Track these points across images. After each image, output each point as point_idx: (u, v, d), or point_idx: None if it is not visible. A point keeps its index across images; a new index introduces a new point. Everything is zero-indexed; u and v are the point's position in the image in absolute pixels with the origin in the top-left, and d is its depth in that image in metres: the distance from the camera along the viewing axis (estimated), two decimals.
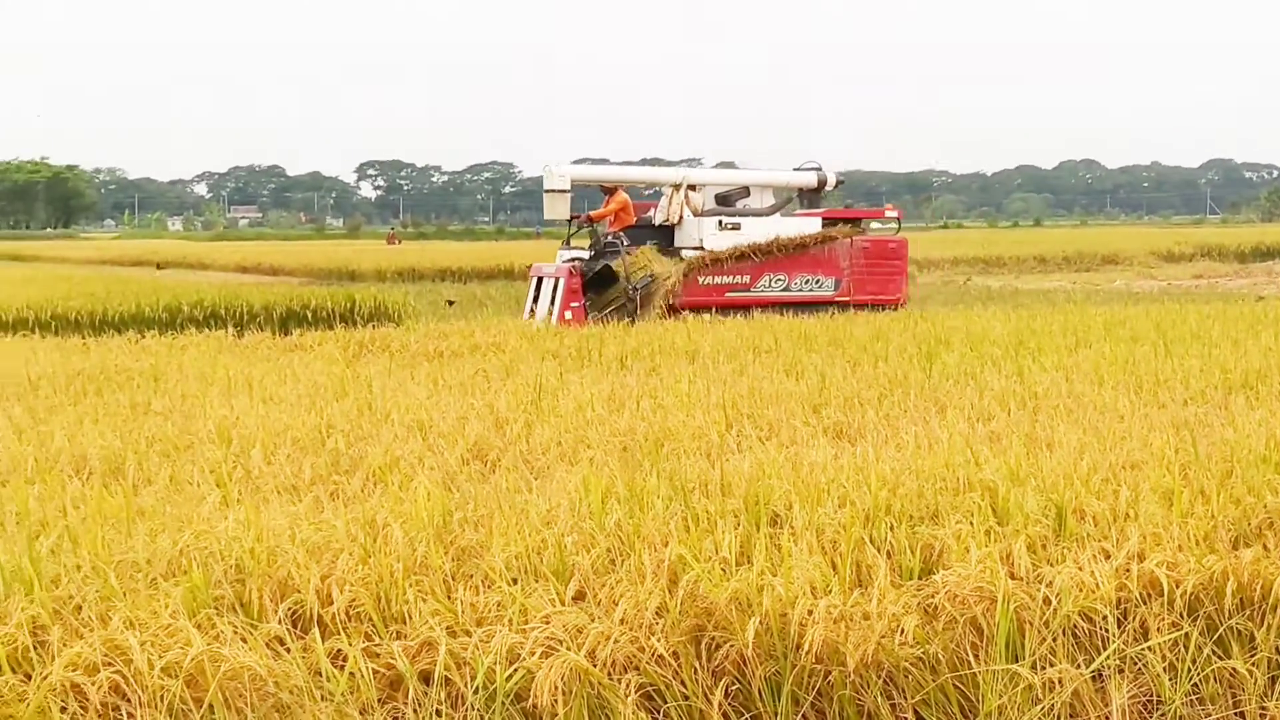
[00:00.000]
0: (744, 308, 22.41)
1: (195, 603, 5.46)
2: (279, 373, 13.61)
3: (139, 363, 14.65)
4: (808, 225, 24.39)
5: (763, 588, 5.49)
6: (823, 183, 25.64)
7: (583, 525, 6.48)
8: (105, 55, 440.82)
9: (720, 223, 23.84)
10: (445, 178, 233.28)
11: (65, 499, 7.23)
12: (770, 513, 6.72)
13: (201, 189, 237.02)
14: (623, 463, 8.40)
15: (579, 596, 5.74)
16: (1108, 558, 6.07)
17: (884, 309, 22.89)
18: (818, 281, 23.94)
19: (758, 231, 23.82)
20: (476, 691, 5.00)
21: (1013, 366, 12.57)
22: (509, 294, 35.51)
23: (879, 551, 6.13)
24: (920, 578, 5.94)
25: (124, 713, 4.81)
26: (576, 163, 26.93)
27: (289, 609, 5.58)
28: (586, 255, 23.26)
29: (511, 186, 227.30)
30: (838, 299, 23.82)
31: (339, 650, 5.22)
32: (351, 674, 5.04)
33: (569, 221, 24.63)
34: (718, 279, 23.26)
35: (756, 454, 8.28)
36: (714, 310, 21.81)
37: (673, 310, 22.20)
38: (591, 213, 25.15)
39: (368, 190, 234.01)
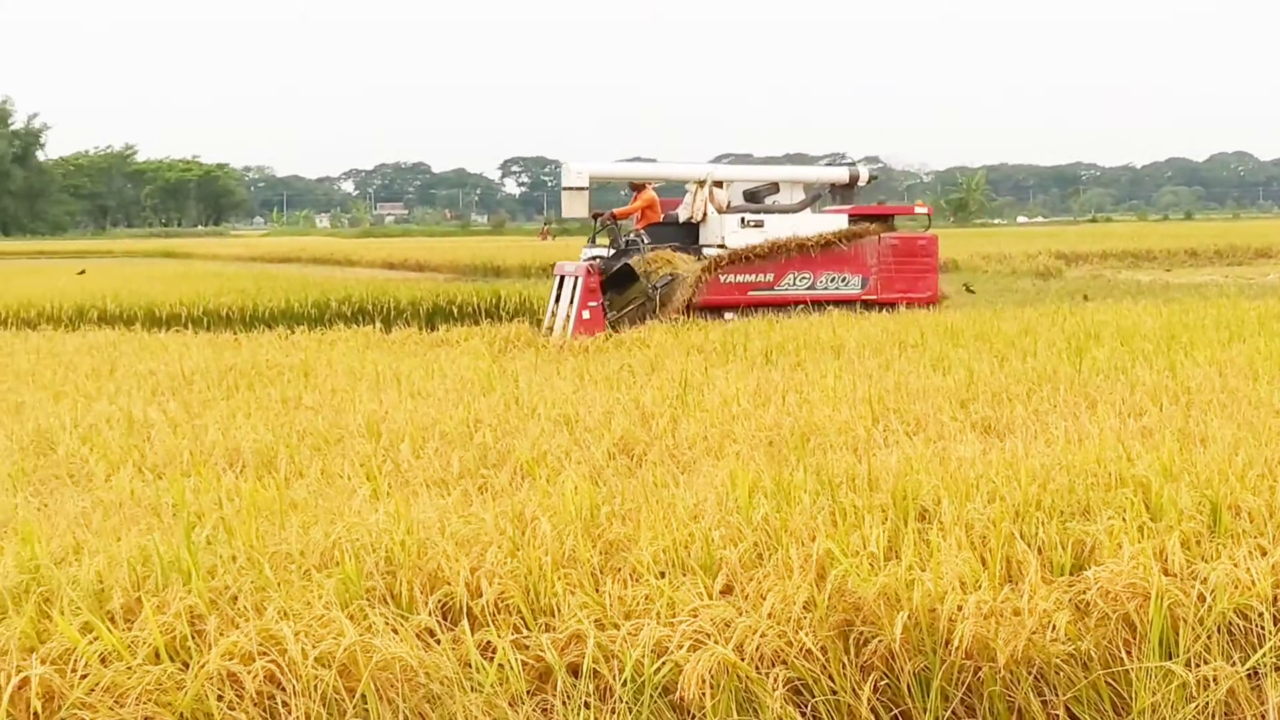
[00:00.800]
0: (768, 306, 21.71)
1: (348, 594, 5.53)
2: (426, 368, 13.73)
3: (289, 358, 14.86)
4: (833, 222, 23.63)
5: (911, 583, 5.45)
6: (855, 178, 24.95)
7: (729, 519, 6.47)
8: (254, 56, 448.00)
9: (743, 220, 23.19)
10: None
11: (220, 491, 7.35)
12: (918, 508, 6.67)
13: (348, 186, 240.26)
14: (769, 457, 8.39)
15: (726, 590, 5.73)
16: (1264, 554, 5.95)
17: (913, 307, 22.20)
18: (844, 279, 23.14)
19: (781, 229, 23.09)
20: (625, 684, 5.01)
21: (1164, 361, 12.34)
22: None
23: (1029, 547, 6.05)
24: (1071, 574, 5.86)
25: (279, 702, 4.88)
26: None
27: (439, 601, 5.63)
28: (608, 254, 22.66)
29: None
30: (865, 297, 23.08)
31: (488, 642, 5.26)
32: (501, 666, 5.07)
33: (594, 219, 23.86)
34: (740, 277, 22.47)
35: (903, 449, 8.22)
36: (740, 311, 21.43)
37: (692, 309, 21.50)
38: (616, 209, 24.27)
39: (512, 187, 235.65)
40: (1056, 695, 5.30)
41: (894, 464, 7.52)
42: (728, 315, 21.25)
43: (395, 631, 5.17)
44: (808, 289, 22.79)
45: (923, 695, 5.27)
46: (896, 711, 5.29)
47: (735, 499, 6.72)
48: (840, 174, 25.35)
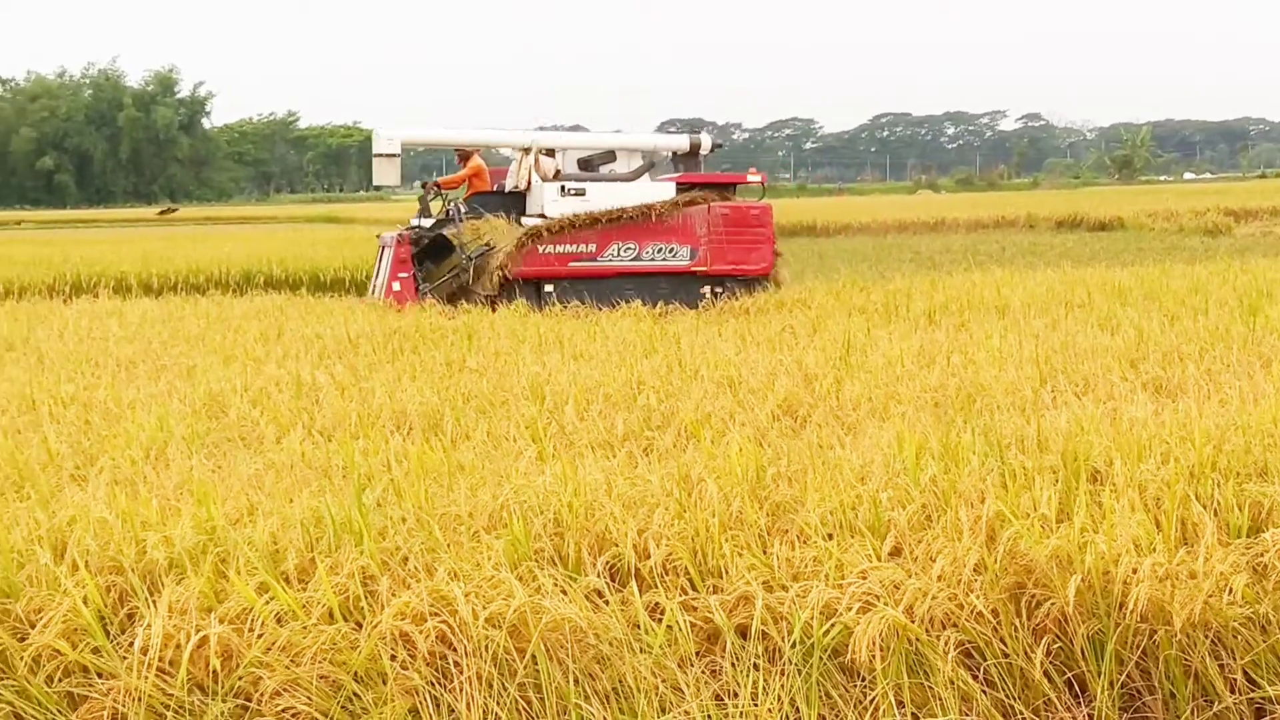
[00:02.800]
0: (591, 279, 21.23)
1: (516, 555, 5.56)
2: (588, 330, 13.79)
3: (452, 321, 15.00)
4: (659, 191, 22.57)
5: (1084, 545, 5.36)
6: (695, 146, 23.85)
7: (897, 481, 6.42)
8: (414, 23, 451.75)
9: (563, 188, 22.12)
10: (745, 135, 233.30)
11: (388, 453, 7.43)
12: (1089, 469, 6.56)
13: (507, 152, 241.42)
14: (935, 419, 8.31)
15: (895, 552, 5.69)
16: None
17: (751, 283, 21.71)
18: (671, 250, 22.08)
19: (606, 198, 22.10)
20: (794, 646, 4.99)
21: None
22: (811, 250, 35.47)
23: (1204, 509, 5.92)
24: (1249, 536, 5.74)
25: (450, 662, 4.93)
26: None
27: (606, 562, 5.65)
28: (426, 224, 21.90)
29: (813, 143, 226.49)
30: (694, 269, 22.13)
31: (656, 603, 5.27)
32: (669, 627, 5.07)
33: (427, 188, 23.23)
34: (560, 248, 21.45)
35: (1073, 409, 8.09)
36: (560, 284, 20.92)
37: (508, 282, 20.81)
38: (441, 178, 23.75)
39: None
40: (1234, 659, 5.19)
41: (1063, 425, 7.41)
42: (547, 288, 20.78)
43: (564, 593, 5.20)
44: (633, 260, 21.84)
45: (1096, 659, 5.19)
46: (1070, 675, 5.22)
47: (902, 461, 6.66)
48: (680, 141, 24.23)
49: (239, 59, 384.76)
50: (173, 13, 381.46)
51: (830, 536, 5.78)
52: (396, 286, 20.49)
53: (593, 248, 21.49)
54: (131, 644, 4.95)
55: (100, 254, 31.37)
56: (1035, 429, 7.38)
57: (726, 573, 5.49)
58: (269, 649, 4.90)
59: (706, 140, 23.91)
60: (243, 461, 7.60)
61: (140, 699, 4.77)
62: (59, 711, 4.88)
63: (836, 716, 4.94)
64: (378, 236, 22.43)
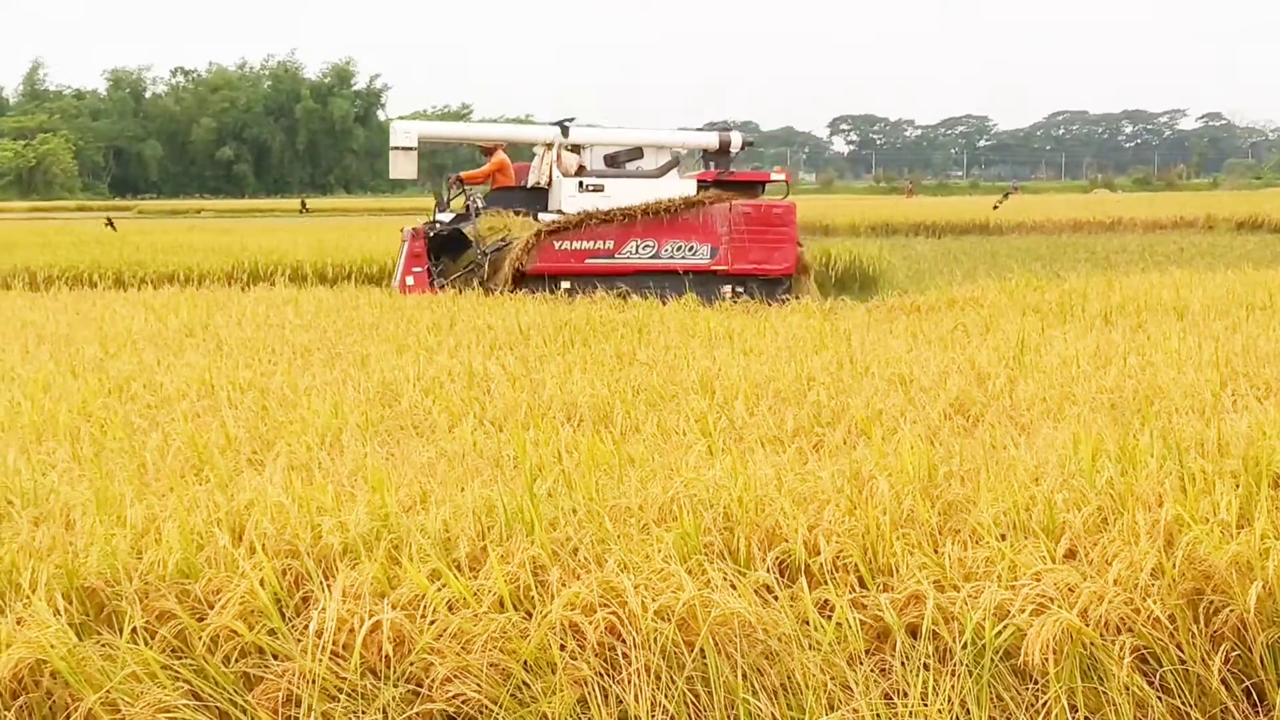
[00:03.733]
0: (609, 276, 20.96)
1: (686, 548, 5.56)
2: (757, 325, 13.75)
3: (622, 315, 15.05)
4: (680, 188, 22.36)
5: (1266, 551, 5.24)
6: (725, 143, 23.57)
7: (1071, 483, 6.32)
8: (582, 13, 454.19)
9: (580, 184, 22.07)
10: (918, 132, 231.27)
11: (559, 444, 7.47)
12: (1272, 474, 6.40)
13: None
14: (1111, 420, 8.17)
15: (1069, 555, 5.60)
16: None
17: (773, 284, 21.52)
18: (691, 248, 21.84)
19: (625, 194, 21.92)
20: (965, 647, 4.93)
21: None
22: (983, 249, 35.09)
23: None
24: None
25: (619, 653, 4.94)
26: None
27: (776, 558, 5.63)
28: (445, 218, 22.01)
29: (986, 140, 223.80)
30: (715, 267, 21.88)
31: (825, 600, 5.24)
32: (839, 624, 5.04)
33: (450, 183, 23.05)
34: (577, 244, 21.33)
35: (1254, 414, 7.91)
36: (577, 280, 20.69)
37: (522, 277, 20.76)
38: (464, 173, 23.47)
39: (840, 145, 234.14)
40: None
41: (1244, 429, 7.25)
42: (564, 284, 20.48)
43: (733, 587, 5.18)
44: (651, 258, 21.64)
45: (1276, 668, 5.07)
46: (1248, 684, 5.10)
47: (1077, 462, 6.56)
48: (708, 139, 24.04)
49: (415, 52, 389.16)
50: (351, 6, 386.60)
51: (1003, 537, 5.71)
52: (410, 280, 20.59)
53: (610, 245, 21.41)
54: (306, 627, 5.02)
55: (277, 243, 31.95)
56: (1215, 432, 7.22)
57: (897, 571, 5.44)
58: (440, 636, 4.94)
59: (737, 138, 23.76)
60: (415, 450, 7.69)
61: (314, 681, 4.84)
62: (235, 691, 4.96)
63: (1007, 719, 4.88)
64: (401, 230, 22.47)
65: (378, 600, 5.13)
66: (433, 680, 4.88)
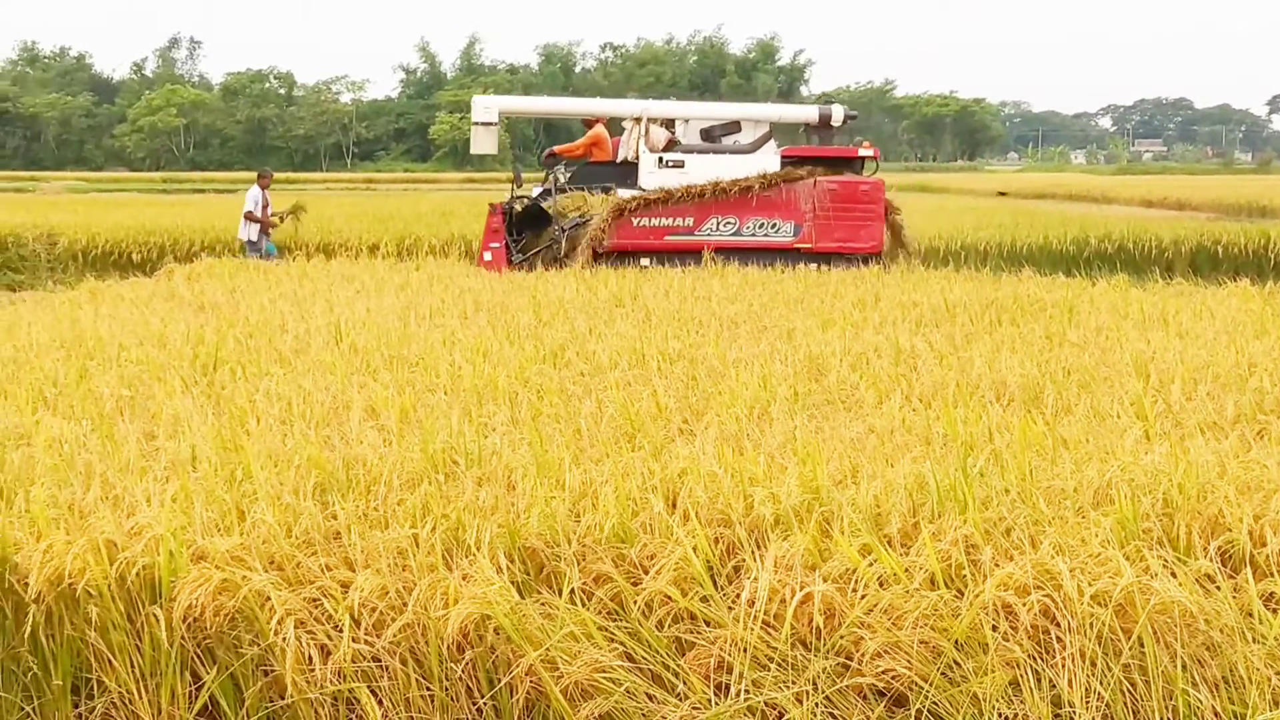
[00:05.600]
0: (687, 252, 20.20)
1: (1123, 534, 5.42)
2: (1193, 308, 13.28)
3: (1050, 294, 14.73)
4: (764, 164, 21.37)
5: None
6: (825, 117, 22.31)
7: None
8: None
9: (660, 160, 21.34)
10: None
11: (988, 423, 7.36)
12: None
13: (1105, 122, 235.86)
14: None
15: None
16: None
17: (859, 262, 20.07)
18: (774, 226, 21.02)
19: (706, 170, 21.12)
20: None
21: None
22: None
23: None
24: None
25: (1053, 636, 4.85)
26: None
27: (1219, 547, 5.44)
28: (537, 193, 21.48)
29: None
30: (798, 245, 20.96)
31: (1271, 593, 5.05)
32: None
33: (547, 158, 22.80)
34: (655, 221, 20.83)
35: None
36: (657, 257, 20.04)
37: (600, 254, 20.15)
38: (558, 147, 23.03)
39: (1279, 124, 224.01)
40: None
41: None
42: (644, 261, 19.85)
43: (1173, 575, 5.02)
44: (732, 235, 20.92)
45: None
46: None
47: None
48: (808, 113, 22.84)
49: (839, 27, 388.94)
50: None
51: None
52: (488, 256, 20.43)
53: (690, 221, 20.96)
54: (738, 596, 5.09)
55: None
56: None
57: None
58: (870, 610, 4.95)
59: (838, 111, 22.76)
60: (843, 424, 7.69)
61: (746, 650, 4.90)
62: (668, 655, 5.07)
63: None
64: (490, 204, 22.18)
65: (809, 572, 5.16)
66: (862, 654, 4.89)
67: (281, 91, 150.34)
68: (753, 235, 21.20)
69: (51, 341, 11.00)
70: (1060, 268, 22.23)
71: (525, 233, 21.20)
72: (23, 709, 5.41)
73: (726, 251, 20.53)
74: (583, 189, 21.52)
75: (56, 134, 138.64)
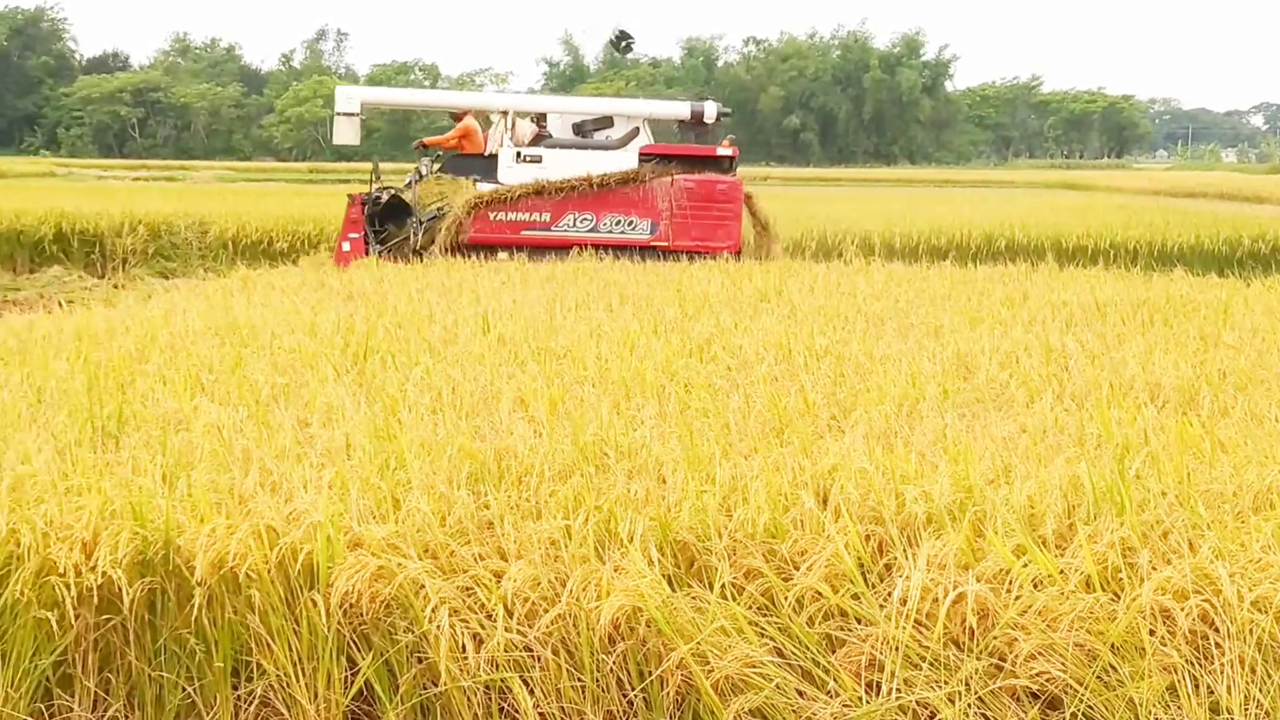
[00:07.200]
0: (543, 248, 20.19)
1: None
2: None
3: (1203, 294, 14.49)
4: (620, 161, 21.28)
5: None
6: (698, 114, 22.27)
7: None
8: None
9: (518, 154, 21.35)
10: None
11: (1143, 424, 7.26)
12: None
13: (1258, 120, 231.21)
14: None
15: None
16: None
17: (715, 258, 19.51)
18: (630, 223, 21.02)
19: (564, 166, 21.07)
20: None
21: None
22: None
23: None
24: None
25: (1211, 642, 4.79)
26: None
27: None
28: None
29: None
30: (655, 243, 20.88)
31: None
32: None
33: (417, 148, 22.85)
34: (512, 215, 20.77)
35: None
36: (514, 251, 19.93)
37: (458, 248, 20.09)
38: (427, 139, 23.05)
39: None
40: None
41: None
42: (501, 255, 19.67)
43: None
44: (589, 231, 20.87)
45: None
46: None
47: None
48: (679, 108, 22.82)
49: (984, 22, 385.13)
50: None
51: None
52: (346, 247, 20.45)
53: (547, 217, 21.01)
54: (889, 594, 5.08)
55: (845, 212, 32.24)
56: None
57: None
58: (1025, 612, 4.91)
59: (711, 108, 22.75)
60: (994, 423, 7.62)
61: (897, 648, 4.89)
62: (819, 651, 5.06)
63: None
64: (349, 195, 22.23)
65: (961, 572, 5.13)
66: (1016, 656, 4.85)
67: (426, 83, 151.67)
68: (609, 232, 21.32)
69: (206, 328, 11.20)
70: (1212, 268, 21.89)
71: (388, 224, 21.34)
72: (184, 690, 5.52)
73: (582, 248, 20.73)
74: (445, 179, 21.85)
75: (206, 124, 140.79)
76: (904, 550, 5.38)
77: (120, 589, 5.40)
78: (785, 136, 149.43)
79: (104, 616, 5.55)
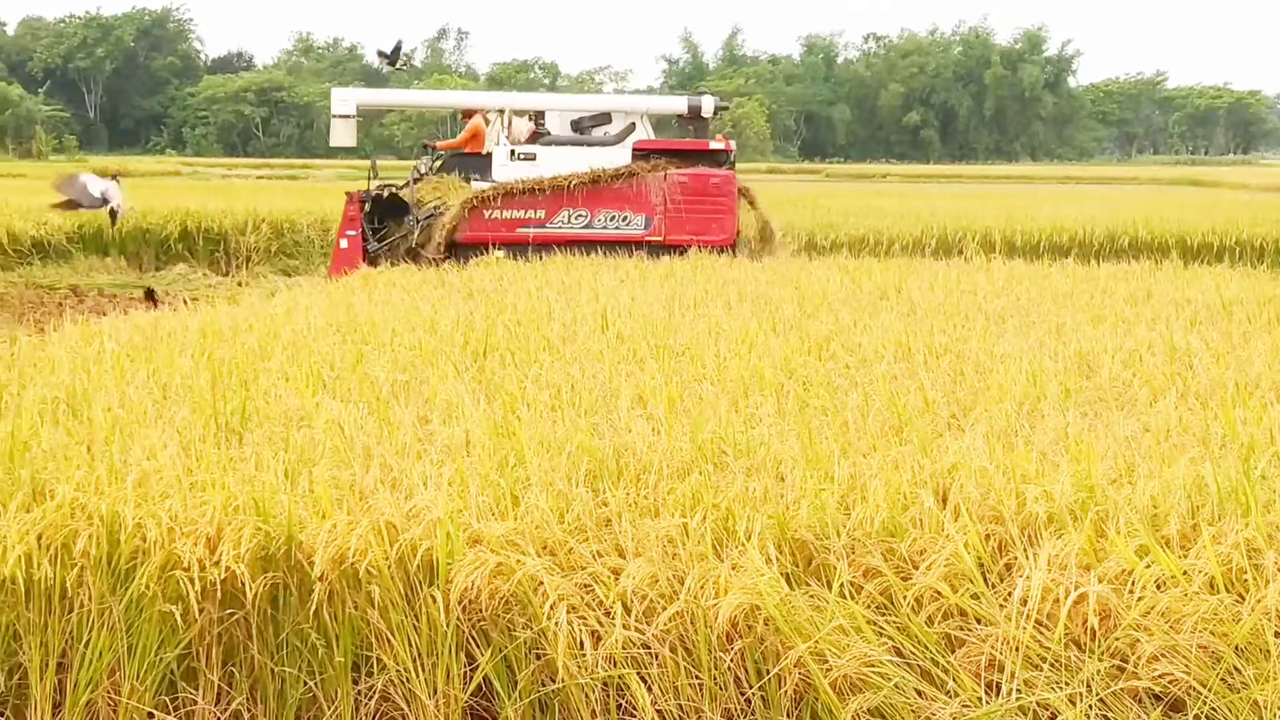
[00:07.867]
0: (539, 245, 19.95)
1: None
2: None
3: None
4: (614, 157, 21.13)
5: None
6: (695, 109, 22.26)
7: None
8: None
9: (512, 153, 21.16)
10: None
11: (1269, 424, 7.15)
12: None
13: None
14: None
15: None
16: None
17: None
18: (625, 219, 20.90)
19: (558, 163, 20.93)
20: None
21: None
22: None
23: None
24: None
25: None
26: None
27: None
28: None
29: None
30: (649, 238, 20.78)
31: None
32: None
33: (425, 149, 22.80)
34: (508, 213, 20.72)
35: None
36: (511, 249, 19.89)
37: (454, 246, 20.24)
38: (439, 142, 22.98)
39: None
40: None
41: None
42: (498, 253, 19.57)
43: None
44: (584, 228, 20.72)
45: None
46: None
47: None
48: (676, 103, 22.89)
49: (1108, 17, 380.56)
50: None
51: None
52: (344, 244, 20.50)
53: (541, 214, 20.92)
54: (1009, 594, 5.03)
55: (965, 209, 32.03)
56: None
57: None
58: (1148, 613, 4.85)
59: (709, 102, 22.71)
60: (1116, 422, 7.54)
61: (1018, 649, 4.85)
62: (938, 651, 5.03)
63: None
64: (347, 193, 22.13)
65: (1083, 572, 5.08)
66: (1138, 657, 4.80)
67: (546, 82, 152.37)
68: (604, 228, 21.22)
69: (328, 326, 11.32)
70: None
71: (386, 222, 21.35)
72: (305, 684, 5.60)
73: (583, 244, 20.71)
74: (445, 178, 21.85)
75: (328, 123, 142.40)
76: (1024, 550, 5.34)
77: (243, 583, 5.49)
78: (905, 133, 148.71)
79: (227, 610, 5.63)
